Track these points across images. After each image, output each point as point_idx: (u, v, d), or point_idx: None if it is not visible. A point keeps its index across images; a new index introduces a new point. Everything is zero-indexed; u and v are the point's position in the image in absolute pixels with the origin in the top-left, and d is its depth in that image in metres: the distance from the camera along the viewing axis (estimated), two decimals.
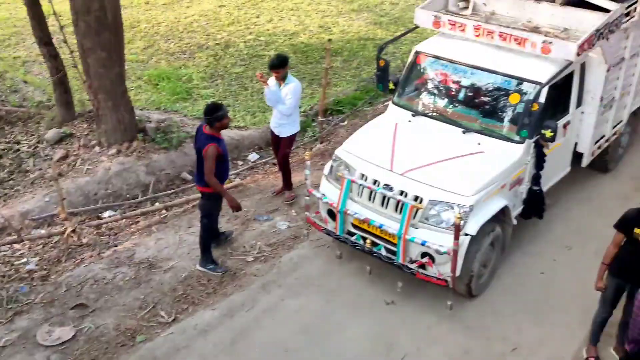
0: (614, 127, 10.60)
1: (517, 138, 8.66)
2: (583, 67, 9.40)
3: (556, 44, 8.63)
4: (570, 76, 9.25)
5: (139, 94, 13.82)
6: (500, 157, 8.62)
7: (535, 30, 9.17)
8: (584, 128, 9.85)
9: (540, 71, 8.78)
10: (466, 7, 9.99)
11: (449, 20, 9.30)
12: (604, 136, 10.39)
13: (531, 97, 8.44)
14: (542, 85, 8.52)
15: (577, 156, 10.10)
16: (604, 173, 11.16)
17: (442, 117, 9.12)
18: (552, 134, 8.37)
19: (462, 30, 9.22)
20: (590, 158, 10.17)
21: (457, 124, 8.97)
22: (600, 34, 8.96)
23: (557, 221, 10.11)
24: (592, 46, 8.88)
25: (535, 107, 8.15)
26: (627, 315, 6.83)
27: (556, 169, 9.69)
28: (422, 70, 9.62)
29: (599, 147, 10.39)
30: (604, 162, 10.94)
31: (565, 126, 9.55)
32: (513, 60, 8.89)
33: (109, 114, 11.50)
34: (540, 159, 9.03)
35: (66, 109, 12.35)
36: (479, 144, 8.74)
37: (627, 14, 9.54)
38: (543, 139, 8.58)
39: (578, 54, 8.59)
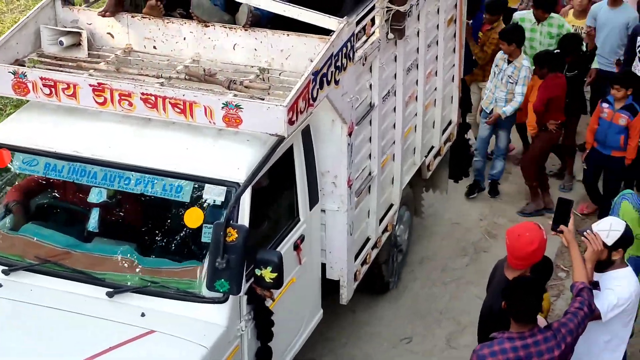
0: (381, 218, 8.05)
1: (211, 294, 6.16)
2: (307, 134, 6.99)
3: (249, 108, 6.09)
4: (289, 156, 6.79)
5: None
6: (187, 337, 6.11)
7: (210, 79, 6.62)
8: (331, 238, 7.35)
9: (230, 161, 6.33)
10: (77, 44, 7.22)
11: (42, 78, 6.61)
12: (368, 240, 7.86)
13: (223, 214, 6.09)
14: (239, 189, 6.11)
15: (330, 285, 7.49)
16: (381, 294, 8.58)
17: (63, 268, 6.59)
18: (274, 274, 6.08)
19: (72, 95, 6.62)
20: (353, 286, 7.56)
21: (96, 279, 6.51)
22: (322, 78, 6.44)
23: None
24: (312, 102, 6.38)
25: (234, 235, 5.90)
26: None
27: (297, 324, 7.20)
28: (9, 180, 7.14)
29: (364, 263, 7.73)
30: (380, 279, 8.42)
31: (297, 246, 6.89)
32: (178, 144, 6.57)
33: None
34: (264, 321, 6.49)
35: None
36: (142, 315, 6.27)
37: (362, 32, 7.16)
38: (260, 284, 6.17)
39: (290, 122, 6.11)
